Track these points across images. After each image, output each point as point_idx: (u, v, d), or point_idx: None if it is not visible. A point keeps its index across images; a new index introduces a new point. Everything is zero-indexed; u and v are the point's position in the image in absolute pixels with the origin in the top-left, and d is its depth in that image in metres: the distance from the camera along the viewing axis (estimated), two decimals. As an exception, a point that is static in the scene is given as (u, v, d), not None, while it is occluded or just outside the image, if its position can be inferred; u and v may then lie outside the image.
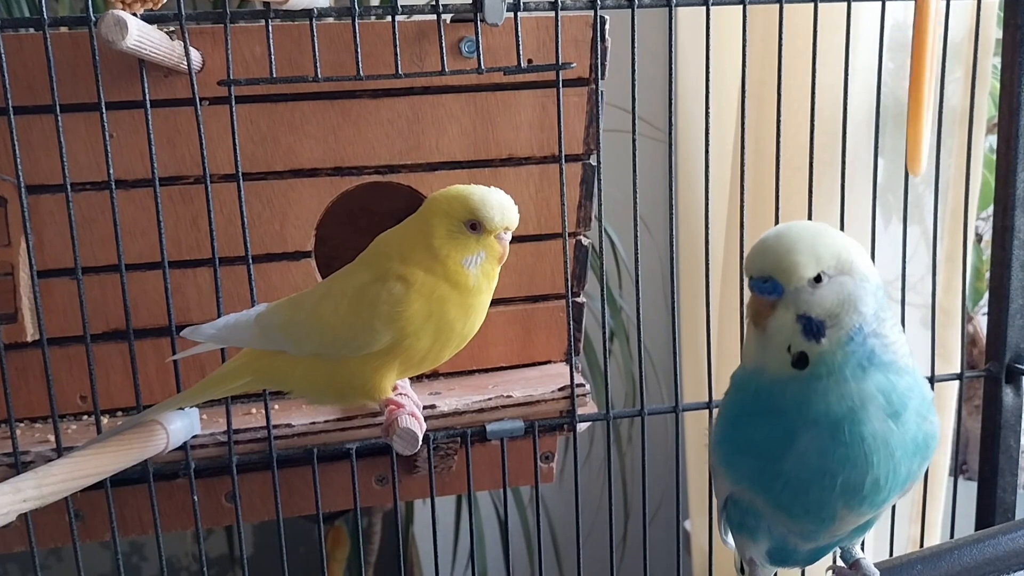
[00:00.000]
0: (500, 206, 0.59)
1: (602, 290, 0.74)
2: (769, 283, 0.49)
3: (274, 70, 0.64)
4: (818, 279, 0.49)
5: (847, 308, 0.49)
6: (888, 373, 0.49)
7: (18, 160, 0.62)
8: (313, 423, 0.69)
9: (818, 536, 0.54)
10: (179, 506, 0.71)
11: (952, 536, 0.82)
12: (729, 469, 0.54)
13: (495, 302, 0.64)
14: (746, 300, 0.52)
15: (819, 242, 0.49)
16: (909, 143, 0.70)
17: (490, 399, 0.70)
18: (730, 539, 0.61)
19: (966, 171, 0.80)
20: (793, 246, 0.49)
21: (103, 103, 0.62)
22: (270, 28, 0.64)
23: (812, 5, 0.72)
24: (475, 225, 0.58)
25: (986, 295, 0.83)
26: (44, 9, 0.61)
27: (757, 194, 1.04)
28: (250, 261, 0.66)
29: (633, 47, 0.68)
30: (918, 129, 0.70)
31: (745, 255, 0.52)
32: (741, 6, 0.70)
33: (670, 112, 0.71)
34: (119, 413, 0.71)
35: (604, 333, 0.77)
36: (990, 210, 0.82)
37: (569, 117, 0.71)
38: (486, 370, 0.76)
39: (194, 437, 0.67)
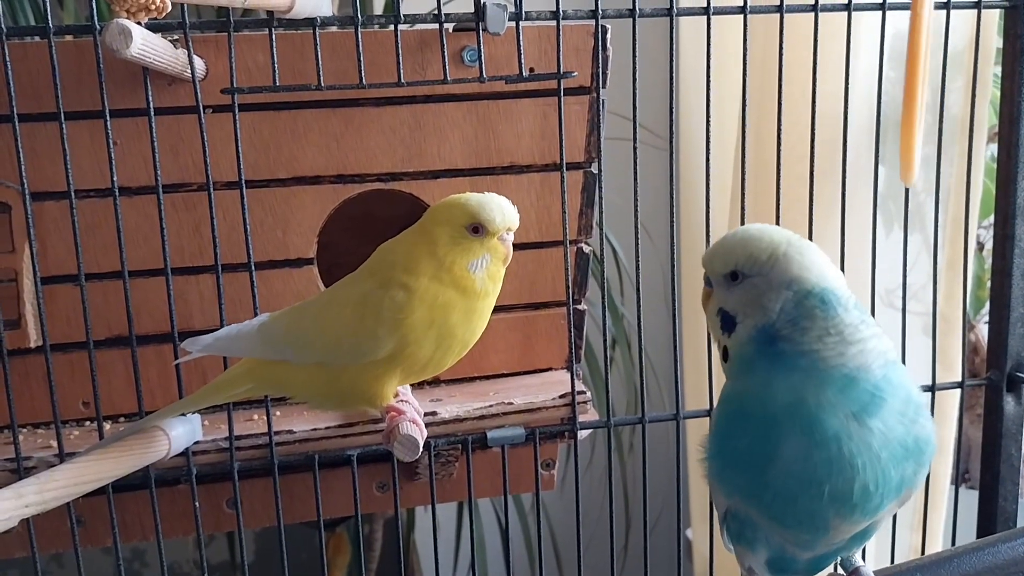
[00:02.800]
0: (499, 207, 0.60)
1: (603, 297, 0.75)
2: (706, 276, 0.55)
3: (277, 78, 0.64)
4: (734, 277, 0.52)
5: (753, 307, 0.52)
6: (817, 379, 0.49)
7: (22, 167, 0.62)
8: (314, 429, 0.69)
9: (815, 546, 0.54)
10: (180, 512, 0.71)
11: (953, 545, 0.82)
12: (721, 483, 0.55)
13: (496, 309, 0.64)
14: None
15: (742, 243, 0.52)
16: (902, 152, 0.70)
17: (491, 406, 0.70)
18: (733, 549, 0.61)
19: (967, 179, 0.80)
20: (717, 245, 0.54)
21: (107, 111, 0.62)
22: (273, 37, 0.64)
23: (812, 14, 0.72)
24: (477, 228, 0.60)
25: (987, 303, 0.83)
26: (49, 17, 0.61)
27: (758, 202, 1.04)
28: (252, 268, 0.66)
29: (634, 56, 0.68)
30: (911, 138, 0.70)
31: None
32: (742, 15, 0.71)
33: (671, 120, 0.71)
34: (121, 419, 0.71)
35: (605, 340, 0.77)
36: (991, 218, 0.82)
37: (570, 125, 0.71)
38: (487, 377, 0.76)
39: (196, 443, 0.67)
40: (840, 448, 0.49)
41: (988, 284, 0.82)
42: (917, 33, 0.70)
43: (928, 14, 0.70)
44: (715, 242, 0.55)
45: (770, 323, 0.51)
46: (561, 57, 0.68)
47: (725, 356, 0.54)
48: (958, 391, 0.82)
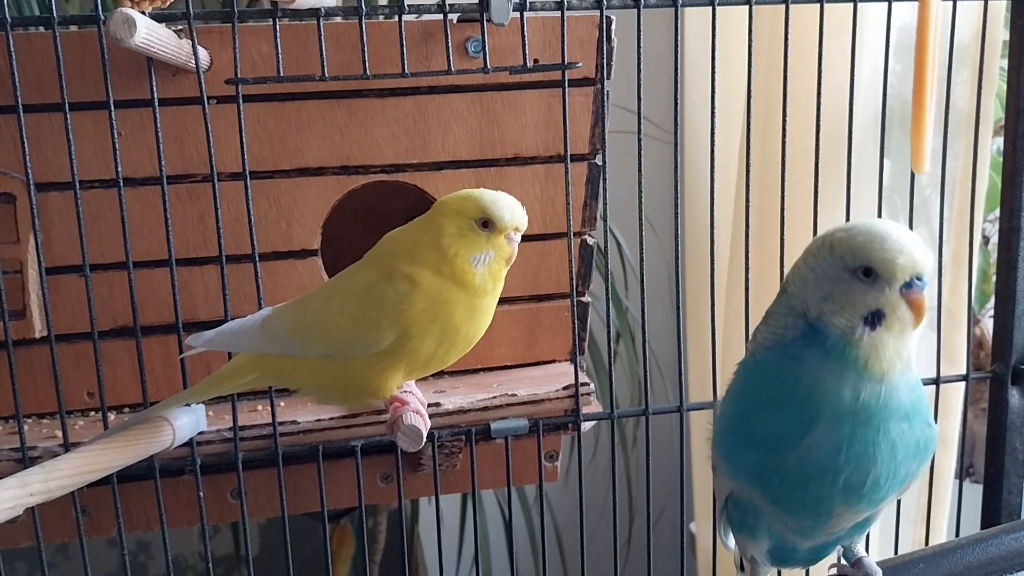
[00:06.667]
0: (511, 206, 0.60)
1: (607, 289, 0.74)
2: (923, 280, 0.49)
3: (281, 69, 0.64)
4: (868, 273, 0.49)
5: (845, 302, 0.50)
6: (909, 380, 0.50)
7: (27, 158, 0.62)
8: (318, 420, 0.69)
9: (815, 533, 0.54)
10: (185, 502, 0.71)
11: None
12: (730, 463, 0.54)
13: (500, 301, 0.64)
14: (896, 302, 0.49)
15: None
16: (913, 142, 0.70)
17: (494, 397, 0.70)
18: (730, 541, 0.61)
19: (972, 173, 0.80)
20: (911, 246, 0.48)
21: (111, 101, 0.62)
22: (278, 27, 0.64)
23: (818, 6, 0.72)
24: (487, 223, 0.60)
25: (992, 297, 0.83)
26: (53, 8, 0.61)
27: (763, 194, 1.04)
28: (256, 259, 0.66)
29: (639, 47, 0.68)
30: (921, 128, 0.70)
31: (888, 254, 0.48)
32: (747, 6, 0.70)
33: (676, 112, 0.71)
34: (126, 409, 0.71)
35: (608, 332, 0.77)
36: (997, 212, 0.82)
37: (575, 117, 0.71)
38: (491, 369, 0.76)
39: (200, 433, 0.67)
40: (870, 446, 0.49)
41: (993, 278, 0.82)
42: (926, 23, 0.69)
43: (936, 4, 0.70)
44: (904, 242, 0.48)
45: (864, 318, 0.49)
46: (565, 48, 0.68)
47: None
48: (963, 385, 0.82)
